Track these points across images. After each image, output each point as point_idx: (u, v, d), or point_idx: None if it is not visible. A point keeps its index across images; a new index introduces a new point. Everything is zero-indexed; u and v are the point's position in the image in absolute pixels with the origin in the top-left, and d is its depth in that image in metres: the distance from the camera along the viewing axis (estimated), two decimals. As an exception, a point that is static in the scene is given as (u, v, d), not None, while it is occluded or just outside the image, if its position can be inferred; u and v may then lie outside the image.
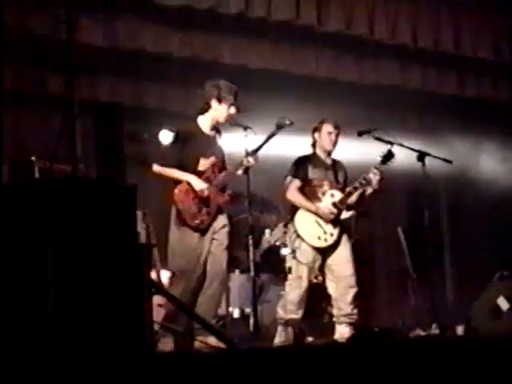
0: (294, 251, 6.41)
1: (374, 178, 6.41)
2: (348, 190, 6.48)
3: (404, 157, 7.01)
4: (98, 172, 7.80)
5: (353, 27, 8.06)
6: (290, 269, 6.44)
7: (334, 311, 6.48)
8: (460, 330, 7.19)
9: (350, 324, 6.43)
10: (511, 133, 9.24)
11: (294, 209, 6.50)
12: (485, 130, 9.43)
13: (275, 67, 8.21)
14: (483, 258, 9.13)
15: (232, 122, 6.03)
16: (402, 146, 6.59)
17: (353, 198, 6.51)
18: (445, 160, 6.77)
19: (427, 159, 6.54)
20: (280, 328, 6.40)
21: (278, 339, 6.37)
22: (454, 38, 8.59)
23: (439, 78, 9.02)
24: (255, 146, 5.95)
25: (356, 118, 8.64)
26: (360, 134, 6.65)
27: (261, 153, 5.98)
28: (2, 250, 3.94)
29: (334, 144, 6.59)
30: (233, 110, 5.99)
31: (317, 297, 6.72)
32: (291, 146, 7.39)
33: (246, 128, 5.92)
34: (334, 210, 6.43)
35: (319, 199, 6.48)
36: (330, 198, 6.47)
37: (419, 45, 8.47)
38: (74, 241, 3.88)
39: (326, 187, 6.51)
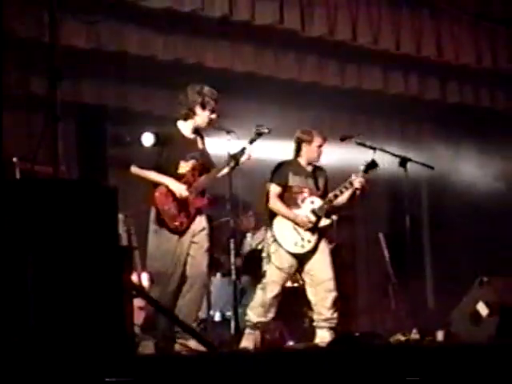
0: (269, 255, 6.43)
1: (359, 185, 6.44)
2: (328, 197, 6.51)
3: (386, 162, 7.04)
4: (80, 174, 7.78)
5: (336, 32, 8.08)
6: (265, 272, 6.45)
7: (314, 316, 6.49)
8: (440, 335, 7.21)
9: (331, 328, 6.44)
10: (492, 138, 9.30)
11: (273, 214, 6.51)
12: (466, 136, 9.50)
13: (258, 71, 8.22)
14: (464, 263, 9.19)
15: (215, 126, 6.04)
16: (384, 151, 6.61)
17: (344, 199, 6.53)
18: (426, 166, 6.81)
19: (409, 164, 6.58)
20: (247, 331, 6.39)
21: (245, 343, 6.32)
22: (436, 45, 8.63)
23: (421, 83, 9.07)
24: (236, 151, 5.96)
25: (339, 123, 8.69)
26: (342, 139, 6.67)
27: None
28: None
29: (319, 155, 6.62)
30: (214, 115, 6.00)
31: (297, 301, 6.73)
32: (272, 149, 7.40)
33: (228, 132, 5.93)
34: (313, 219, 6.45)
35: (298, 206, 6.49)
36: (309, 204, 6.49)
37: (402, 51, 8.51)
38: (55, 242, 3.86)
39: (305, 194, 6.53)
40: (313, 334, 6.53)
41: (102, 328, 3.93)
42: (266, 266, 6.48)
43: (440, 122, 9.66)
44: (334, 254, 7.52)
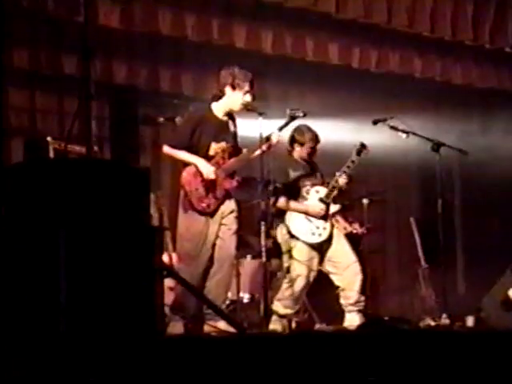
0: (289, 251, 6.42)
1: (348, 172, 6.46)
2: (331, 184, 6.49)
3: (419, 146, 6.98)
4: (113, 154, 7.81)
5: (371, 15, 8.02)
6: (288, 268, 6.43)
7: (342, 301, 6.48)
8: (470, 320, 7.18)
9: (359, 311, 6.43)
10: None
11: (282, 210, 6.51)
12: (500, 120, 9.40)
13: (291, 53, 8.18)
14: (496, 248, 9.11)
15: (247, 108, 6.00)
16: (417, 135, 6.57)
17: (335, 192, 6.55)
18: (460, 151, 6.74)
19: (442, 149, 6.52)
20: (274, 317, 6.39)
21: (273, 327, 6.33)
22: (472, 29, 8.55)
23: (456, 67, 8.99)
24: (267, 134, 5.94)
25: (371, 106, 8.63)
26: (375, 123, 6.63)
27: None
28: (15, 230, 3.95)
29: (313, 154, 6.62)
30: (248, 98, 5.96)
31: (327, 284, 6.71)
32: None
33: (260, 114, 5.90)
34: (323, 206, 6.45)
35: (305, 198, 6.51)
36: (315, 194, 6.50)
37: (437, 34, 8.43)
38: (87, 222, 3.88)
39: (308, 187, 6.53)
40: (342, 317, 6.52)
41: (132, 307, 3.95)
42: (287, 262, 6.45)
43: (475, 105, 9.56)
44: (365, 239, 7.51)
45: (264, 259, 5.88)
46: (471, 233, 9.97)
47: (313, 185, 6.55)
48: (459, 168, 9.98)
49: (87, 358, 3.68)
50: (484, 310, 7.09)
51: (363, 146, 6.49)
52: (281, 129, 6.02)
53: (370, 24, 8.19)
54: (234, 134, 6.07)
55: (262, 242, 5.89)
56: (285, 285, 6.44)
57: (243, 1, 7.63)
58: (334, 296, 6.66)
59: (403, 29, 8.26)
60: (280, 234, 6.50)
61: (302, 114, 6.07)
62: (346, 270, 6.45)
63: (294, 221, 6.46)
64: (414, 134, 6.55)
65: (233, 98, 5.95)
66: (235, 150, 6.03)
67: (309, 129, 6.57)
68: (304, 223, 6.46)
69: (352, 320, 6.39)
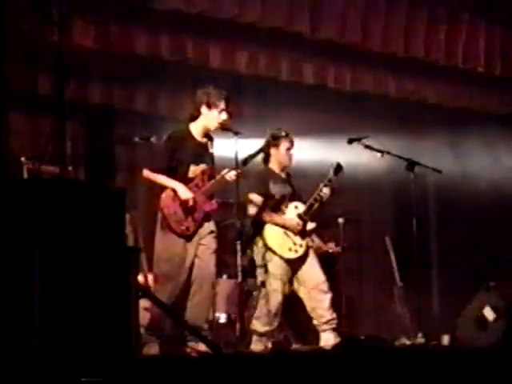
0: (265, 265, 6.39)
1: (329, 190, 6.46)
2: (309, 202, 6.50)
3: (393, 165, 7.02)
4: (87, 174, 7.78)
5: (344, 35, 8.07)
6: (263, 283, 6.40)
7: (315, 321, 6.46)
8: (446, 339, 7.20)
9: (333, 330, 6.42)
10: (497, 143, 9.29)
11: (260, 223, 6.50)
12: (472, 140, 9.48)
13: (266, 73, 8.22)
14: (471, 267, 9.16)
15: (223, 127, 6.01)
16: (392, 154, 6.60)
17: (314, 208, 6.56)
18: (434, 169, 6.79)
19: (416, 168, 6.56)
20: (255, 338, 6.37)
21: (254, 348, 6.32)
22: (445, 49, 8.63)
23: (429, 87, 9.06)
24: (248, 155, 5.95)
25: (345, 126, 8.68)
26: (350, 142, 6.65)
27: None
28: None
29: (291, 159, 6.60)
30: (224, 116, 5.96)
31: (302, 304, 6.70)
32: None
33: (236, 133, 5.91)
34: (301, 222, 6.45)
35: (283, 212, 6.50)
36: (293, 209, 6.49)
37: (410, 54, 8.51)
38: (62, 243, 3.86)
39: (287, 200, 6.54)
40: (317, 337, 6.51)
41: (107, 328, 3.93)
42: (262, 277, 6.43)
43: (447, 125, 9.64)
44: (341, 258, 7.50)
45: (240, 279, 5.87)
46: (446, 251, 10.01)
47: (292, 200, 6.55)
48: (434, 186, 10.05)
49: (62, 380, 3.65)
50: (459, 329, 7.11)
51: (340, 166, 6.51)
52: (261, 150, 6.03)
53: (344, 44, 8.24)
54: (212, 156, 6.07)
55: (238, 262, 5.88)
56: (261, 301, 6.42)
57: (218, 21, 7.65)
58: (309, 316, 6.65)
59: (377, 49, 8.32)
60: (256, 247, 6.49)
61: (284, 134, 6.10)
62: (314, 289, 6.43)
63: (272, 235, 6.44)
64: (389, 153, 6.58)
65: (209, 117, 5.95)
66: (215, 172, 6.02)
67: (279, 129, 6.55)
68: (281, 238, 6.43)
69: (327, 339, 6.37)
